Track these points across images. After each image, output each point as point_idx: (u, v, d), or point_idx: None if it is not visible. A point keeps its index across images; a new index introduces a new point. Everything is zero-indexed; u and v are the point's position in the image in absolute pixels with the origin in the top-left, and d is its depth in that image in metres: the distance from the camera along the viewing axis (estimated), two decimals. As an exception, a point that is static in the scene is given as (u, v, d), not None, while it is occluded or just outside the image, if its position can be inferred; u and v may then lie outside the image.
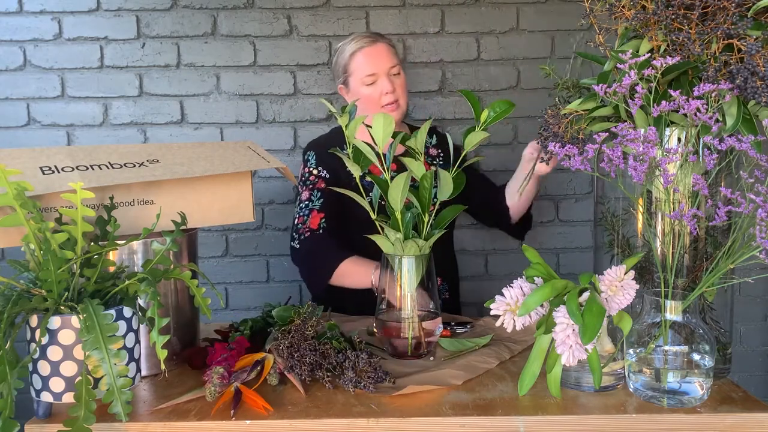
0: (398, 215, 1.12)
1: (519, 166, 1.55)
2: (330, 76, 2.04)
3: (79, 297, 0.95)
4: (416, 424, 0.91)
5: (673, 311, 0.92)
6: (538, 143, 1.35)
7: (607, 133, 0.95)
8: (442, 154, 1.72)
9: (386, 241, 1.14)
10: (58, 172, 1.06)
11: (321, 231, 1.55)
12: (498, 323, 0.98)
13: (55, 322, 0.89)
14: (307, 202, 1.58)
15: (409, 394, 0.98)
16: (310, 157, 1.65)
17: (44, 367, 0.90)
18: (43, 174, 1.04)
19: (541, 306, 0.95)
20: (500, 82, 2.06)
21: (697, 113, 0.89)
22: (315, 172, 1.61)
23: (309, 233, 1.56)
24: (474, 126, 1.14)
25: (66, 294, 0.93)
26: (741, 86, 0.94)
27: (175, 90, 2.03)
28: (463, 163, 1.16)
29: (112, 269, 1.01)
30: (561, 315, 0.91)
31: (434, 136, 1.75)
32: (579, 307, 0.89)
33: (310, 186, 1.60)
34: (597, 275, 0.96)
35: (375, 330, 1.20)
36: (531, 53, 2.04)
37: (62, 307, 0.91)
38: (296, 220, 1.59)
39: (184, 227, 1.09)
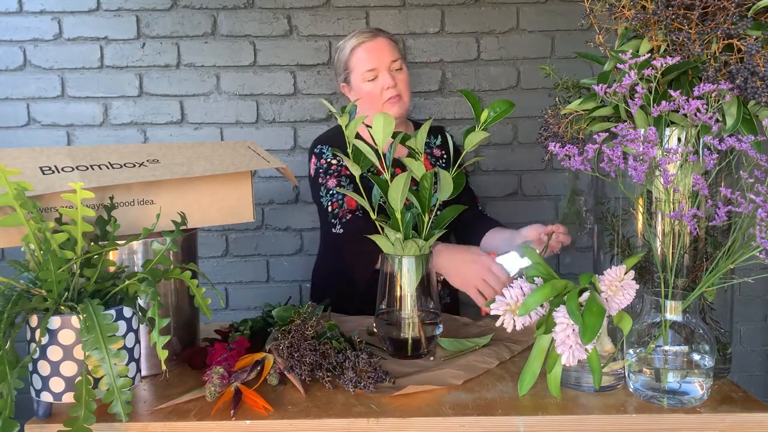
0: (398, 215, 1.12)
1: (509, 236, 1.49)
2: (330, 75, 2.04)
3: (79, 297, 0.95)
4: (416, 424, 0.91)
5: (673, 311, 0.92)
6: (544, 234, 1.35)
7: (607, 133, 0.95)
8: (446, 155, 1.71)
9: (386, 241, 1.14)
10: (58, 172, 1.06)
11: (360, 212, 1.54)
12: (498, 323, 0.98)
13: (55, 322, 0.89)
14: (337, 188, 1.56)
15: (409, 394, 0.98)
16: (324, 150, 1.62)
17: (44, 367, 0.90)
18: (43, 174, 1.04)
19: (541, 306, 0.95)
20: (500, 82, 2.06)
21: (697, 113, 0.89)
22: (335, 161, 1.59)
23: (350, 215, 1.53)
24: (474, 126, 1.14)
25: (66, 294, 0.93)
26: (741, 86, 0.94)
27: (175, 90, 2.03)
28: (462, 164, 1.16)
29: (112, 269, 1.01)
30: (561, 315, 0.91)
31: (439, 136, 1.74)
32: (579, 307, 0.89)
33: (335, 174, 1.58)
34: (597, 275, 0.96)
35: (375, 330, 1.20)
36: (531, 53, 2.04)
37: (62, 307, 0.91)
38: (331, 207, 1.55)
39: (184, 227, 1.09)
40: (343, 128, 1.12)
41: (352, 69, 1.61)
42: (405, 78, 1.61)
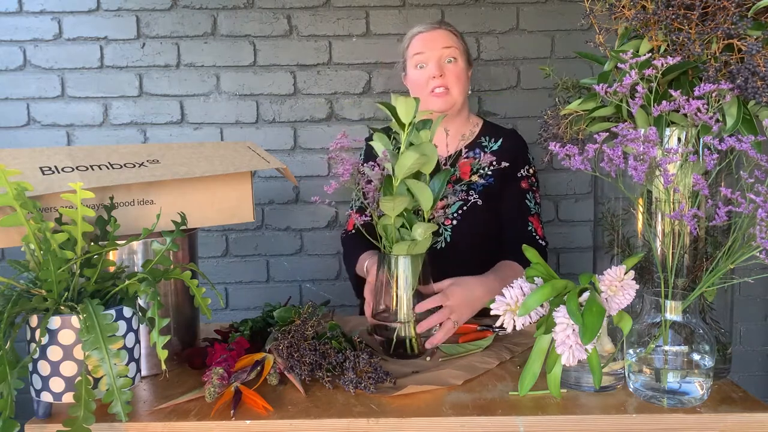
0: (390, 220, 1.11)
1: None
2: (329, 76, 2.04)
3: (79, 297, 0.95)
4: (416, 424, 0.91)
5: (673, 311, 0.92)
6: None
7: (607, 133, 0.95)
8: (496, 164, 1.51)
9: (381, 241, 1.14)
10: (58, 172, 1.06)
11: (354, 231, 1.66)
12: (498, 323, 0.98)
13: (55, 322, 0.89)
14: (353, 202, 1.65)
15: (409, 394, 0.98)
16: (360, 153, 1.68)
17: (44, 367, 0.90)
18: (43, 174, 1.04)
19: (541, 306, 0.95)
20: (500, 82, 2.06)
21: (698, 113, 0.89)
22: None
23: (344, 234, 1.71)
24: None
25: (66, 294, 0.93)
26: (741, 86, 0.94)
27: (175, 90, 2.03)
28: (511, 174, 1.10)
29: (112, 269, 1.01)
30: (561, 315, 0.91)
31: (501, 140, 1.60)
32: (579, 307, 0.89)
33: None
34: (597, 275, 0.96)
35: (372, 330, 1.20)
36: (531, 53, 2.04)
37: (62, 307, 0.91)
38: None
39: (184, 227, 1.09)
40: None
41: (408, 57, 1.60)
42: (458, 72, 1.53)
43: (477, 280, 1.26)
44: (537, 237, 1.53)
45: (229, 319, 1.35)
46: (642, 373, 0.94)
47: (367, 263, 1.43)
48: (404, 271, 1.13)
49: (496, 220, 1.55)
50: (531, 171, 1.59)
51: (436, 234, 1.50)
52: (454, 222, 1.52)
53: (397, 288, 1.13)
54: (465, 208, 1.52)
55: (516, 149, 1.60)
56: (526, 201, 1.55)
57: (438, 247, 1.53)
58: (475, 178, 1.41)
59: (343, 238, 1.73)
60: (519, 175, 1.57)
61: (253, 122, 2.05)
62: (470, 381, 1.03)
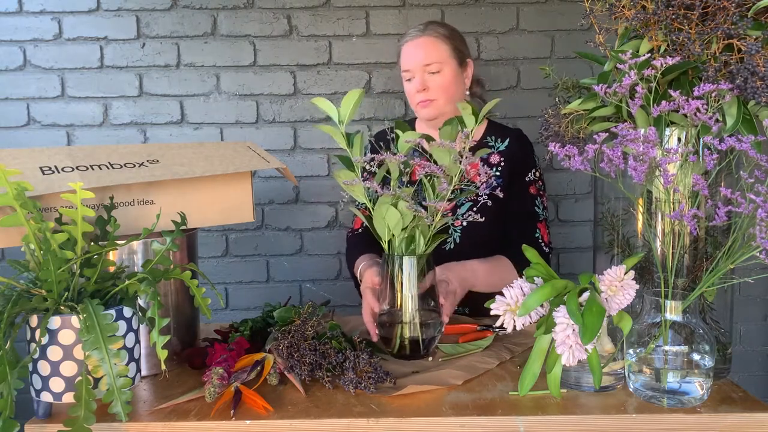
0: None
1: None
2: (329, 76, 2.04)
3: (79, 297, 0.95)
4: (416, 424, 0.91)
5: (673, 311, 0.92)
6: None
7: (606, 133, 0.95)
8: (503, 164, 1.57)
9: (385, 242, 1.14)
10: (58, 172, 1.06)
11: (360, 230, 1.65)
12: (498, 323, 0.98)
13: (55, 322, 0.89)
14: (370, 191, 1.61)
15: (409, 394, 0.98)
16: (366, 152, 1.66)
17: (44, 367, 0.90)
18: (43, 174, 1.04)
19: (541, 306, 0.95)
20: (500, 82, 2.06)
21: (697, 113, 0.89)
22: (367, 167, 1.57)
23: (351, 233, 1.70)
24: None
25: (66, 294, 0.93)
26: (741, 86, 0.94)
27: (175, 90, 2.03)
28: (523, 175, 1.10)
29: (112, 269, 1.01)
30: (561, 315, 0.91)
31: (507, 140, 1.60)
32: (579, 307, 0.89)
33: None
34: (597, 275, 0.96)
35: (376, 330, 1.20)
36: (531, 53, 2.04)
37: (62, 307, 0.91)
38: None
39: (184, 227, 1.09)
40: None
41: (399, 66, 1.60)
42: (442, 81, 1.53)
43: (460, 264, 1.39)
44: (542, 243, 1.55)
45: (229, 319, 1.35)
46: (642, 373, 0.94)
47: (360, 268, 1.44)
48: (409, 272, 1.13)
49: (505, 221, 1.56)
50: (538, 174, 1.59)
51: (444, 232, 1.50)
52: (464, 223, 1.51)
53: (401, 288, 1.13)
54: (475, 209, 1.51)
55: (523, 150, 1.60)
56: (535, 207, 1.56)
57: (447, 249, 1.53)
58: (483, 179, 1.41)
59: (348, 236, 1.72)
60: (527, 179, 1.57)
61: (253, 122, 2.05)
62: (470, 381, 1.03)
